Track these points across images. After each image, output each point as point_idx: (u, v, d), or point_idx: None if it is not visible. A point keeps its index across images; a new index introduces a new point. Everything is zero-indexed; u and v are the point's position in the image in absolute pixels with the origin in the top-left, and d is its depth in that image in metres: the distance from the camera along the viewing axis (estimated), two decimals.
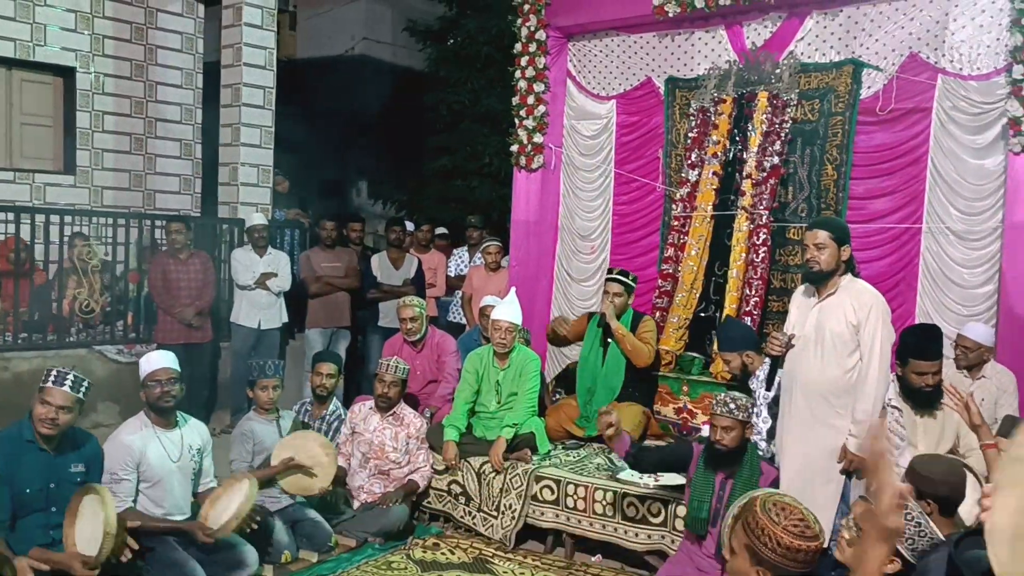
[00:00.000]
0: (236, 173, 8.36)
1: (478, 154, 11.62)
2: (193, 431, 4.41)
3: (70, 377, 3.78)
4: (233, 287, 7.35)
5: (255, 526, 4.26)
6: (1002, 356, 5.17)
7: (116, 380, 6.99)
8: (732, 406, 3.89)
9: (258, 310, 7.25)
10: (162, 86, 9.08)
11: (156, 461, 4.17)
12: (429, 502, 5.42)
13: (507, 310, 5.51)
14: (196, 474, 4.38)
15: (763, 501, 2.23)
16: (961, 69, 5.50)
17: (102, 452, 4.06)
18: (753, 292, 5.80)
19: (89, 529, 3.67)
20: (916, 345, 4.07)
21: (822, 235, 3.84)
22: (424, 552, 4.82)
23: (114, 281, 7.38)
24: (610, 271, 6.00)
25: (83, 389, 3.80)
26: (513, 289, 5.86)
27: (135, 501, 4.13)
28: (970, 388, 4.65)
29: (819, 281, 3.91)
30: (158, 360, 4.29)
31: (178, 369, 4.31)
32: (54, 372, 3.79)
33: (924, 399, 4.06)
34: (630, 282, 5.75)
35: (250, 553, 4.30)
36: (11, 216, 6.78)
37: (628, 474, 4.78)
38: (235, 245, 7.85)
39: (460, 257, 8.22)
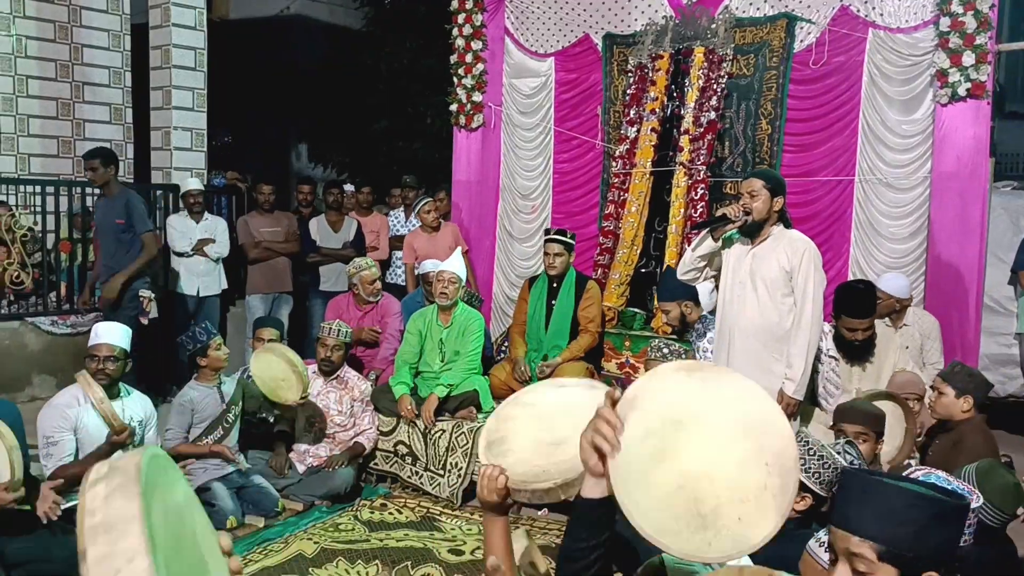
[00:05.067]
0: (169, 137, 8.16)
1: (420, 115, 11.51)
2: (136, 403, 4.34)
3: None
4: (170, 255, 7.21)
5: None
6: (930, 304, 5.35)
7: (51, 352, 6.84)
8: (666, 351, 3.98)
9: (196, 277, 7.13)
10: (88, 48, 8.78)
11: (93, 430, 4.09)
12: (375, 464, 5.43)
13: (452, 263, 5.53)
14: (137, 447, 4.32)
15: None
16: (890, 22, 5.59)
17: (21, 416, 3.95)
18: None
19: None
20: (847, 302, 4.22)
21: (756, 184, 3.92)
22: (372, 513, 4.84)
23: (45, 251, 7.18)
24: (547, 231, 6.03)
25: None
26: (459, 248, 5.86)
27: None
28: (895, 336, 4.80)
29: (752, 230, 3.98)
30: (104, 333, 4.19)
31: (124, 346, 4.21)
32: None
33: (856, 352, 4.23)
34: (569, 240, 5.79)
35: None
36: None
37: None
38: (170, 212, 7.68)
39: (396, 218, 8.15)
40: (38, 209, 7.25)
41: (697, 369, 1.50)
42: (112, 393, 4.21)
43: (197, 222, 7.16)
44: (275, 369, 4.94)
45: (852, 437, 3.07)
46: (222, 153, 12.08)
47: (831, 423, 3.60)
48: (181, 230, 7.11)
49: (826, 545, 1.72)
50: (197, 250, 7.07)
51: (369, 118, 12.13)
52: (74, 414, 4.08)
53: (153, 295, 6.23)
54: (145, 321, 6.10)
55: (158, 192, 7.96)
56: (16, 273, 6.87)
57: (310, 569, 4.01)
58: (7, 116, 8.12)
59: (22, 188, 7.51)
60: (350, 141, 12.80)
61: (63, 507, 3.64)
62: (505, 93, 7.22)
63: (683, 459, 1.46)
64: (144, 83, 8.48)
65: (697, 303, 4.79)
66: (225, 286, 7.34)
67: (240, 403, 5.04)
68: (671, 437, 1.47)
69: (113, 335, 4.19)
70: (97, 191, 7.71)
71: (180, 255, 7.09)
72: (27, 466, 3.82)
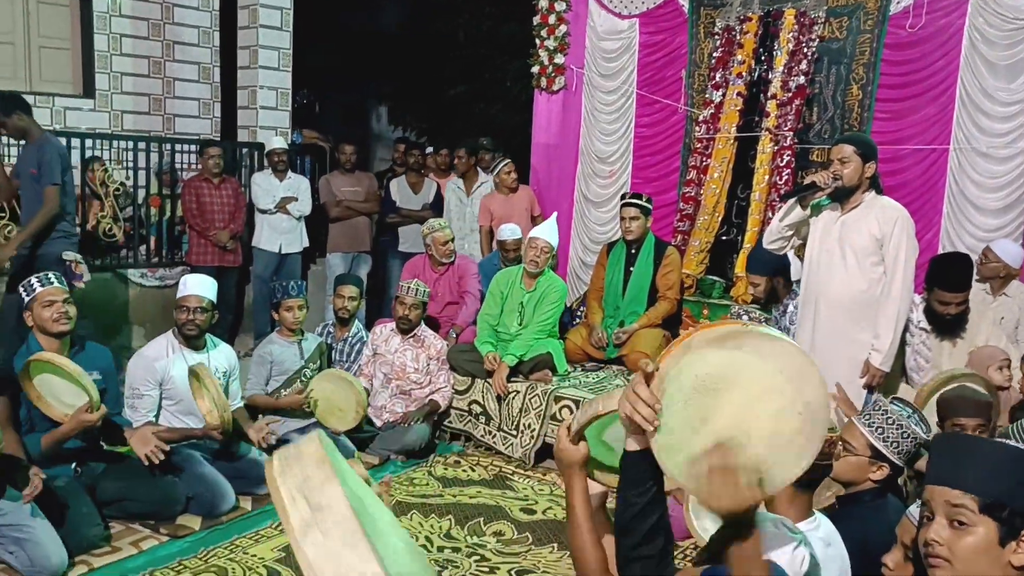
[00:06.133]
0: (255, 96, 8.31)
1: (498, 79, 11.48)
2: (221, 355, 4.47)
3: (51, 275, 3.82)
4: (254, 212, 7.37)
5: (269, 440, 4.33)
6: None
7: (140, 303, 7.08)
8: (745, 318, 3.93)
9: (279, 234, 7.28)
10: (179, 8, 8.95)
11: (181, 382, 4.23)
12: (450, 422, 5.50)
13: (546, 230, 5.53)
14: (223, 396, 4.44)
15: None
16: None
17: (115, 364, 4.10)
18: (775, 214, 5.74)
19: (68, 396, 3.61)
20: (943, 274, 4.05)
21: (847, 149, 3.80)
22: (445, 469, 4.92)
23: (136, 206, 7.41)
24: (624, 195, 5.97)
25: (63, 281, 3.85)
26: (555, 214, 5.86)
27: (157, 417, 4.22)
28: (992, 305, 4.63)
29: (842, 197, 3.87)
30: (193, 285, 4.31)
31: (211, 298, 4.33)
32: (34, 278, 3.79)
33: (947, 325, 4.07)
34: (645, 204, 5.72)
35: None
36: None
37: None
38: (255, 169, 7.84)
39: None
40: (130, 165, 7.48)
41: (729, 337, 1.52)
42: (199, 344, 4.35)
43: (281, 180, 7.29)
44: (339, 398, 4.88)
45: (972, 431, 2.96)
46: (303, 113, 12.25)
47: (914, 399, 3.49)
48: (265, 188, 7.25)
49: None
50: (280, 208, 7.21)
51: (447, 82, 12.15)
52: (161, 367, 4.23)
53: (80, 258, 5.46)
54: (80, 285, 5.41)
55: (243, 150, 8.13)
56: (108, 226, 7.10)
57: None
58: (102, 73, 8.36)
59: (115, 144, 7.73)
60: (429, 104, 12.85)
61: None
62: (587, 55, 7.14)
63: (719, 423, 1.53)
64: (232, 42, 8.62)
65: (788, 280, 4.67)
66: (306, 244, 7.48)
67: (319, 361, 5.15)
68: (707, 405, 1.53)
69: (202, 287, 4.31)
70: (188, 148, 7.97)
71: (264, 212, 7.24)
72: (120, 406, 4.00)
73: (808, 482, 2.18)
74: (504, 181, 6.98)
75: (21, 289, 3.80)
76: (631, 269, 5.74)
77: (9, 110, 5.31)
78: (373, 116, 14.64)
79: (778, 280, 4.70)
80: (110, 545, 3.67)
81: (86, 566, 3.48)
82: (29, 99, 7.78)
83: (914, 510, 2.02)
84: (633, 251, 5.75)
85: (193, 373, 4.02)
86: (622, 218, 5.74)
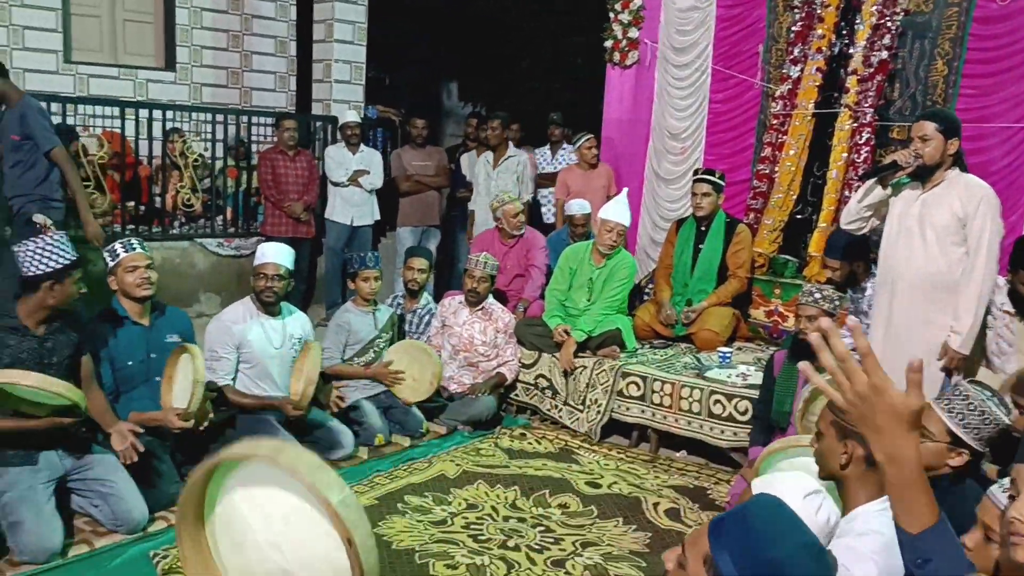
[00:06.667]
0: (329, 70, 8.42)
1: (566, 55, 11.44)
2: (296, 322, 4.58)
3: (134, 241, 3.94)
4: (327, 184, 7.48)
5: (341, 404, 4.45)
6: None
7: (216, 272, 7.28)
8: (818, 295, 3.85)
9: (351, 207, 7.38)
10: None
11: (257, 346, 4.36)
12: (516, 395, 5.54)
13: (617, 210, 5.47)
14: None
15: None
16: None
17: (193, 326, 4.22)
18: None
19: (181, 387, 3.84)
20: None
21: (928, 127, 3.69)
22: (511, 441, 4.96)
23: (213, 176, 7.59)
24: (696, 171, 5.89)
25: (146, 247, 3.96)
26: (625, 190, 5.80)
27: (234, 380, 4.35)
28: None
29: (923, 175, 3.76)
30: (272, 254, 4.41)
31: (289, 267, 4.42)
32: (118, 244, 3.91)
33: None
34: (718, 180, 5.64)
35: (346, 435, 4.51)
36: (116, 111, 7.00)
37: (716, 372, 4.82)
38: (328, 142, 7.96)
39: (543, 156, 8.15)
40: (208, 136, 7.66)
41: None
42: (275, 311, 4.46)
43: (353, 154, 7.39)
44: (415, 369, 5.02)
45: None
46: (374, 87, 12.35)
47: (999, 387, 3.39)
48: (338, 161, 7.36)
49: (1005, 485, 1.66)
50: (352, 181, 7.31)
51: (515, 57, 12.15)
52: (239, 331, 4.35)
53: (50, 220, 5.07)
54: None
55: (317, 123, 8.26)
56: (187, 196, 7.31)
57: (451, 489, 4.16)
58: (183, 47, 8.55)
59: (193, 116, 7.92)
60: (498, 80, 12.85)
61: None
62: (662, 29, 7.02)
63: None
64: (308, 16, 8.74)
65: (869, 266, 4.56)
66: (378, 217, 7.58)
67: (392, 332, 5.23)
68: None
69: (279, 255, 4.41)
70: (264, 120, 8.11)
71: (336, 185, 7.35)
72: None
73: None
74: (584, 156, 6.90)
75: (106, 254, 3.94)
76: (700, 246, 5.68)
77: None
78: (444, 92, 14.67)
79: (857, 264, 4.59)
80: None
81: (164, 522, 3.61)
82: (114, 72, 8.09)
83: (995, 490, 1.97)
84: (703, 228, 5.69)
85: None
86: (693, 194, 5.68)
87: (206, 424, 3.92)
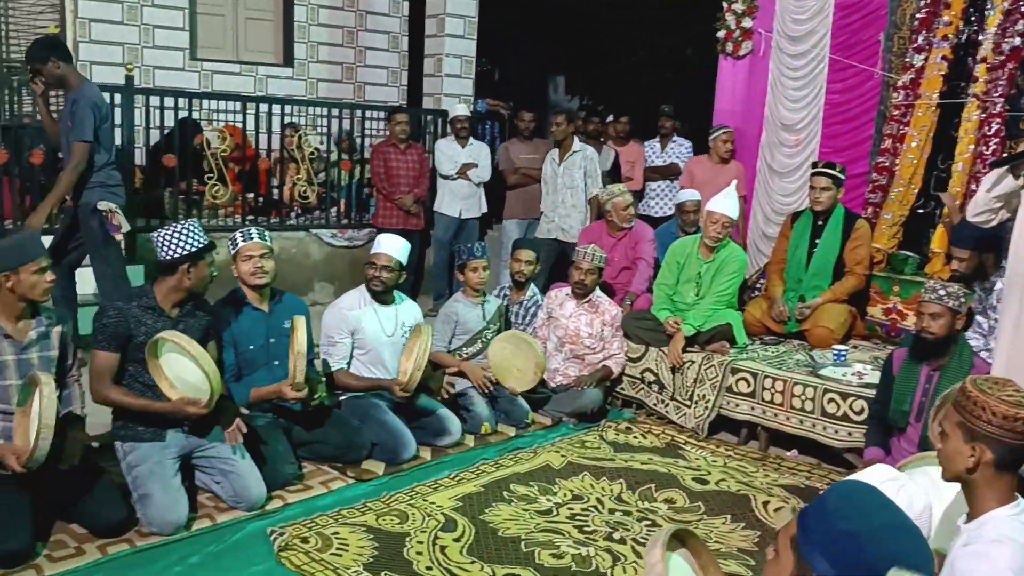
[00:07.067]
0: (440, 64, 8.55)
1: (676, 47, 11.29)
2: (407, 310, 4.68)
3: (254, 231, 4.06)
4: (436, 177, 7.60)
5: (450, 390, 4.51)
6: None
7: (330, 262, 7.49)
8: (942, 292, 3.69)
9: (459, 200, 7.47)
10: None
11: (371, 332, 4.47)
12: (622, 388, 5.51)
13: (725, 203, 5.34)
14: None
15: (974, 379, 2.13)
16: None
17: (310, 313, 4.32)
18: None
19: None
20: None
21: None
22: (617, 435, 4.94)
23: (328, 169, 7.81)
24: (815, 164, 5.72)
25: (268, 237, 4.07)
26: (734, 182, 5.69)
27: (349, 365, 4.47)
28: None
29: None
30: (387, 245, 4.51)
31: (401, 260, 4.52)
32: (238, 233, 4.04)
33: None
34: (838, 174, 5.47)
35: (453, 422, 4.58)
36: (238, 106, 7.28)
37: (830, 371, 4.68)
38: (439, 136, 8.07)
39: (652, 148, 8.06)
40: (323, 130, 7.88)
41: None
42: (387, 299, 4.57)
43: (463, 147, 7.47)
44: (519, 359, 5.05)
45: None
46: (484, 81, 12.46)
47: None
48: (448, 154, 7.46)
49: None
50: (461, 174, 7.39)
51: (616, 51, 12.06)
52: (354, 316, 4.47)
53: (114, 206, 5.00)
54: (118, 236, 5.10)
55: (428, 117, 8.39)
56: (303, 188, 7.54)
57: (556, 479, 4.17)
58: (300, 43, 8.83)
59: (309, 110, 8.17)
60: (606, 72, 12.78)
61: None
62: (776, 19, 6.85)
63: None
64: (420, 11, 8.88)
65: (999, 257, 4.34)
66: (485, 209, 7.65)
67: (499, 323, 5.28)
68: None
69: (393, 247, 4.51)
70: (376, 115, 8.28)
71: (445, 178, 7.45)
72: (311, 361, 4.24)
73: (1012, 462, 2.05)
74: (718, 149, 6.77)
75: (229, 243, 4.10)
76: (817, 241, 5.52)
77: (45, 57, 4.83)
78: (551, 86, 14.69)
79: (987, 256, 4.38)
80: (302, 483, 3.94)
81: (281, 500, 3.75)
82: (235, 68, 8.42)
83: None
84: (820, 223, 5.53)
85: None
86: (812, 187, 5.51)
87: (316, 400, 4.04)
